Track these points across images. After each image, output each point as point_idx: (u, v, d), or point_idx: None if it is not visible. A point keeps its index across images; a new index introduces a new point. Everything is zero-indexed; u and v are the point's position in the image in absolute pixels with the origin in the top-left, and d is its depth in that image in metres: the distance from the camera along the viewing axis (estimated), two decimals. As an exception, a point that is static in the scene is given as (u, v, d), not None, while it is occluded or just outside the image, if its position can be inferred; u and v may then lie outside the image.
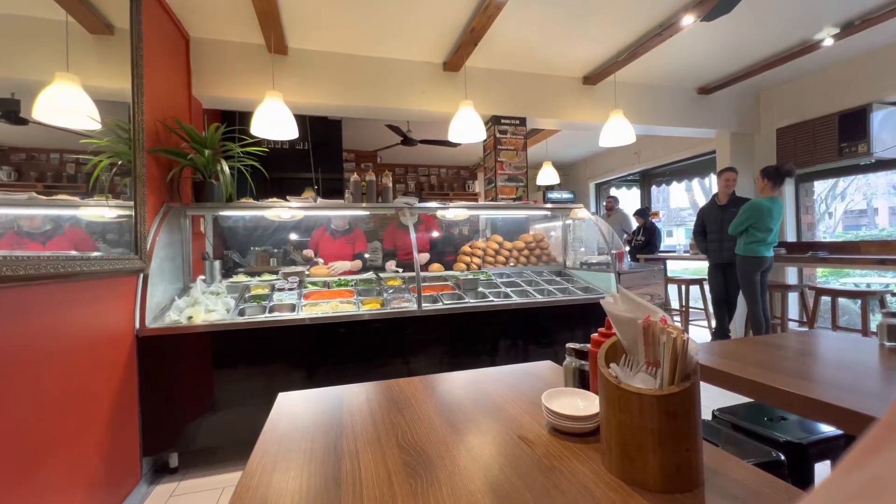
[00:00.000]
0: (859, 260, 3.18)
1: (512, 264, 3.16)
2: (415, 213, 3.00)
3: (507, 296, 2.60)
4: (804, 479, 1.19)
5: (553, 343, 2.52)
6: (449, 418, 0.85)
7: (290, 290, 2.51)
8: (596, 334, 0.85)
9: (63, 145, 1.74)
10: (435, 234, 3.58)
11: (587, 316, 2.59)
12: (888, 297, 2.93)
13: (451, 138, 3.05)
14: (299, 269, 2.80)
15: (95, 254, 1.58)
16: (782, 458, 1.13)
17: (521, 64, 3.46)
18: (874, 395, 0.90)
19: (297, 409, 0.92)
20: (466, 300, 2.47)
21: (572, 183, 7.84)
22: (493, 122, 3.55)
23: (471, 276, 2.76)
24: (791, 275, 4.20)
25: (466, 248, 3.18)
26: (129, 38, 1.95)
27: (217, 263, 2.58)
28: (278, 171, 4.52)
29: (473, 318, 2.37)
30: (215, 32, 2.87)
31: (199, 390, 2.01)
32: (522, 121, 3.57)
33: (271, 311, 2.19)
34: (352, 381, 2.11)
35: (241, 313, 2.17)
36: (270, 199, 2.51)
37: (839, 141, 3.62)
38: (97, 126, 1.85)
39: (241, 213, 2.67)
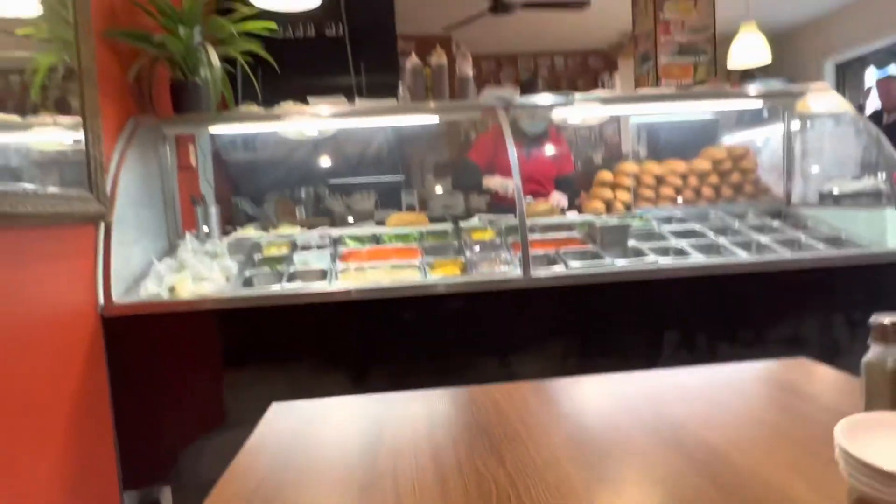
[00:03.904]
0: None
1: (685, 201, 2.92)
2: (536, 122, 3.04)
3: (680, 252, 2.35)
4: None
5: (772, 337, 2.24)
6: (604, 474, 0.67)
7: (320, 247, 2.48)
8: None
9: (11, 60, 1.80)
10: (555, 151, 3.33)
11: (841, 287, 2.27)
12: None
13: (576, -17, 2.72)
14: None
15: (27, 187, 1.60)
16: None
17: None
18: None
19: (294, 434, 0.81)
20: (606, 260, 2.25)
21: (791, 63, 6.93)
22: (650, -51, 3.13)
23: (615, 222, 2.52)
24: None
25: (606, 175, 2.97)
26: None
27: (214, 210, 2.62)
28: (300, 71, 4.50)
29: (620, 291, 2.19)
30: None
31: (198, 398, 2.05)
32: (706, -58, 3.10)
33: (291, 279, 2.17)
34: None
35: (248, 283, 2.18)
36: (284, 105, 2.45)
37: None
38: (35, 6, 1.88)
39: (242, 128, 2.65)
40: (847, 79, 6.60)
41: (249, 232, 2.74)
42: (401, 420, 0.88)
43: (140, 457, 1.99)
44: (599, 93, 2.64)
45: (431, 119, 2.53)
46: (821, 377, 0.96)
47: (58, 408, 1.67)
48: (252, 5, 2.50)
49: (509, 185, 3.05)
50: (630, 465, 0.72)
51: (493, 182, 3.22)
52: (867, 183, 2.60)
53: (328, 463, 0.77)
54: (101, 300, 1.95)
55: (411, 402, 0.94)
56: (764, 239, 2.44)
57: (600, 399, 0.96)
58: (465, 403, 0.89)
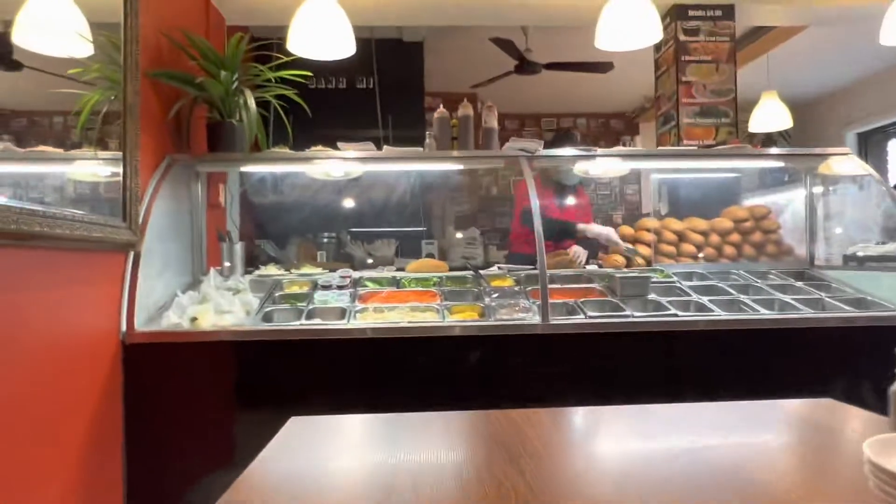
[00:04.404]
0: None
1: (706, 258, 2.92)
2: (570, 175, 2.99)
3: (703, 308, 2.33)
4: None
5: (794, 396, 2.16)
6: (625, 488, 0.66)
7: (341, 288, 2.50)
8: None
9: (63, 102, 1.92)
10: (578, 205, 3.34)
11: (866, 348, 2.20)
12: None
13: (601, 44, 2.81)
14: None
15: (65, 210, 1.66)
16: None
17: None
18: None
19: (310, 446, 0.80)
20: (627, 312, 2.23)
21: (812, 132, 6.99)
22: (673, 15, 3.23)
23: (635, 275, 2.51)
24: None
25: (626, 230, 2.96)
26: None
27: (239, 247, 2.67)
28: (331, 120, 4.65)
29: (640, 342, 2.18)
30: None
31: (211, 429, 2.05)
32: (728, 10, 3.21)
33: (310, 316, 2.19)
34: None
35: (267, 318, 2.20)
36: (315, 148, 2.53)
37: None
38: (88, 48, 1.99)
39: (272, 168, 2.74)
40: (869, 149, 6.63)
41: (271, 270, 2.78)
42: (419, 435, 0.88)
43: (148, 486, 1.97)
44: (621, 148, 2.69)
45: (456, 167, 2.59)
46: (846, 414, 0.95)
47: (71, 429, 1.68)
48: (289, 53, 2.62)
49: (610, 234, 2.96)
50: (651, 482, 0.70)
51: (593, 230, 3.09)
52: (892, 246, 2.58)
53: (345, 472, 0.77)
54: (124, 327, 1.98)
55: (429, 420, 0.94)
56: (787, 298, 2.41)
57: (620, 425, 0.95)
58: (483, 423, 0.88)
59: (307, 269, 2.81)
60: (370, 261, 3.32)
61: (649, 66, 4.05)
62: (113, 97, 2.11)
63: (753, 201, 3.22)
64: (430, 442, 0.86)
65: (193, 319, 2.06)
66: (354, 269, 3.11)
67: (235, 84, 2.47)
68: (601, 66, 4.74)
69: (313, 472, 0.79)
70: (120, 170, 2.05)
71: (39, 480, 1.52)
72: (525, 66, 4.80)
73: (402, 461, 0.79)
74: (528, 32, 4.65)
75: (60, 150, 1.97)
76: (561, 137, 3.33)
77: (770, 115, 4.79)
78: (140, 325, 2.02)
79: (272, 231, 4.00)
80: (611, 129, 7.62)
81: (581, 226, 3.06)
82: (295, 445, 0.88)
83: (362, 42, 4.10)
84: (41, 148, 1.89)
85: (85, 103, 1.99)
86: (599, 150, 2.55)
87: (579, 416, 1.00)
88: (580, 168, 2.73)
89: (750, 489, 0.69)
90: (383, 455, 0.83)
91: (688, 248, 2.90)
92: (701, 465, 0.78)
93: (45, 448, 1.54)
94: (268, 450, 0.82)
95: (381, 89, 5.08)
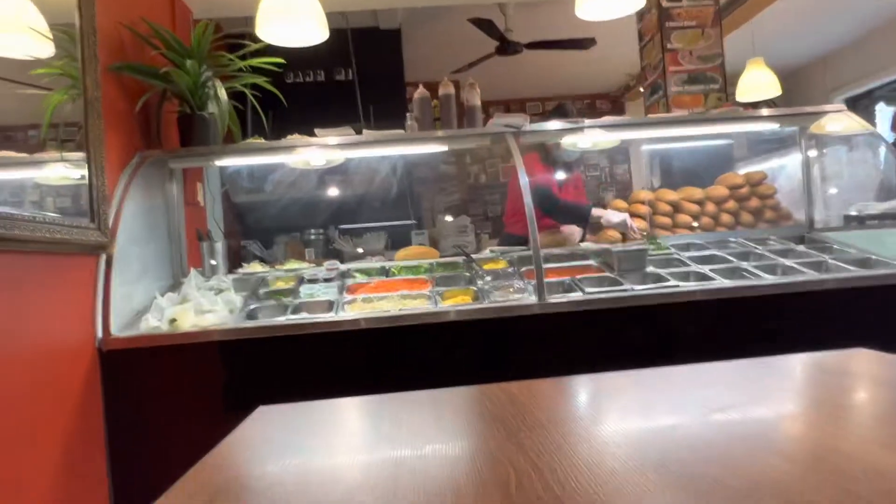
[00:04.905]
0: None
1: (702, 227, 2.86)
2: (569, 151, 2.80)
3: (704, 277, 2.26)
4: None
5: None
6: (648, 455, 0.58)
7: (327, 280, 2.42)
8: None
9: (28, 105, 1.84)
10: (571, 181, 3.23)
11: (874, 308, 2.14)
12: None
13: (581, 13, 2.72)
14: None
15: (24, 212, 1.57)
16: None
17: None
18: None
19: (280, 431, 0.72)
20: (626, 286, 2.16)
21: (800, 99, 6.94)
22: (655, -18, 3.16)
23: (633, 248, 2.44)
24: None
25: (619, 203, 2.89)
26: None
27: (220, 246, 2.58)
28: (309, 114, 4.56)
29: (641, 315, 2.11)
30: None
31: (197, 434, 1.95)
32: (711, -26, 3.15)
33: (297, 311, 2.11)
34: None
35: (252, 315, 2.11)
36: (291, 137, 2.44)
37: None
38: (49, 48, 1.92)
39: (248, 160, 2.65)
40: (857, 113, 6.59)
41: (256, 268, 2.70)
42: (402, 415, 0.80)
43: (134, 496, 1.89)
44: (611, 118, 2.61)
45: (440, 147, 2.51)
46: (886, 362, 0.89)
47: (48, 445, 1.59)
48: (260, 40, 2.52)
49: (627, 220, 2.74)
50: (679, 447, 0.62)
51: (610, 219, 2.79)
52: (893, 203, 2.52)
53: (312, 460, 0.68)
54: (100, 333, 1.89)
55: (415, 400, 0.86)
56: (789, 262, 2.35)
57: (635, 390, 0.89)
58: (476, 398, 0.81)
59: (293, 265, 2.72)
60: (360, 250, 3.24)
61: (632, 43, 3.96)
62: (76, 95, 2.03)
63: (748, 167, 3.16)
64: (415, 421, 0.78)
65: (173, 321, 1.98)
66: (343, 263, 3.04)
67: (204, 74, 2.38)
68: (583, 43, 4.65)
69: (277, 461, 0.70)
70: (86, 169, 1.97)
71: (17, 497, 1.43)
72: (506, 46, 4.71)
73: (379, 444, 0.70)
74: (508, 11, 4.57)
75: (25, 154, 1.90)
76: (555, 111, 3.20)
77: (757, 84, 4.71)
78: (117, 330, 1.94)
79: (256, 229, 3.92)
80: (597, 109, 7.56)
81: (597, 212, 2.86)
82: (260, 435, 0.80)
83: (338, 32, 4.00)
84: (4, 153, 1.82)
85: (48, 104, 1.92)
86: (588, 122, 2.47)
87: (582, 384, 0.93)
88: (569, 142, 2.64)
89: (797, 448, 0.62)
90: (357, 439, 0.75)
91: (684, 218, 2.85)
92: (732, 426, 0.70)
93: (21, 463, 1.45)
94: (229, 437, 0.74)
95: (361, 80, 4.98)
